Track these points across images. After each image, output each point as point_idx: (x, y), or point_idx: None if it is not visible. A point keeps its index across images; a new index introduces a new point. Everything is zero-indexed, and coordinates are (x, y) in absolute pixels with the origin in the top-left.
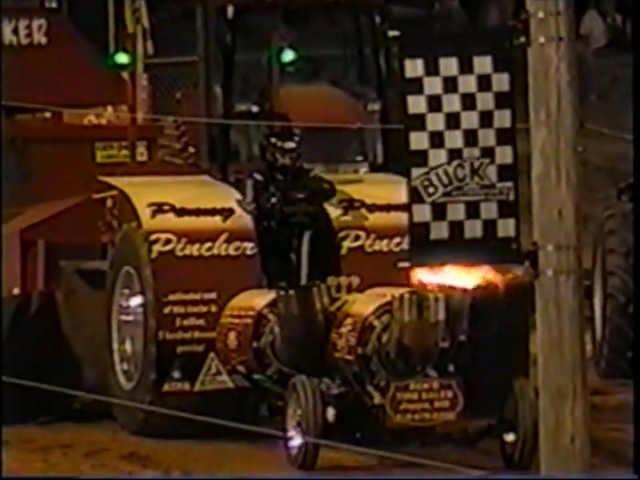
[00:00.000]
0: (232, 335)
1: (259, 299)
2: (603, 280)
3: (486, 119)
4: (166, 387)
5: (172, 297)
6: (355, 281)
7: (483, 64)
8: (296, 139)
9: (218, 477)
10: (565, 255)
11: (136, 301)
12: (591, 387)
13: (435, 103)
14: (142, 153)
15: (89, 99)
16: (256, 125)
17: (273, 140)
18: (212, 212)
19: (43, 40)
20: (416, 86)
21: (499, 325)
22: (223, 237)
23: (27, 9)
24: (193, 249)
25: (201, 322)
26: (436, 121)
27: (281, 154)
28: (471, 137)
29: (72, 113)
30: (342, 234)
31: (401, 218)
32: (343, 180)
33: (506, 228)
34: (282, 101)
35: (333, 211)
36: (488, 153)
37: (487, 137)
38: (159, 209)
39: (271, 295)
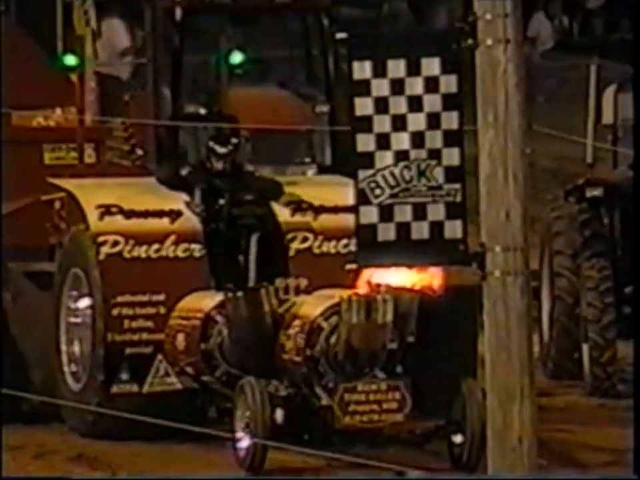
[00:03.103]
0: (180, 337)
1: (207, 300)
2: (550, 281)
3: (433, 121)
4: (114, 389)
5: (120, 299)
6: (303, 282)
7: (431, 66)
8: (233, 140)
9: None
10: (512, 256)
11: (84, 302)
12: (538, 387)
13: (382, 105)
14: (90, 155)
15: (37, 100)
16: (204, 127)
17: (211, 144)
18: (160, 214)
19: None
20: (363, 88)
21: (446, 326)
22: (171, 238)
23: None
24: (141, 251)
25: (149, 324)
26: (383, 123)
27: (216, 159)
28: (418, 139)
29: (20, 114)
30: (290, 235)
31: (349, 220)
32: (291, 181)
33: (453, 229)
34: (230, 103)
35: (281, 213)
36: (435, 154)
37: (434, 139)
38: (106, 210)
39: (219, 297)
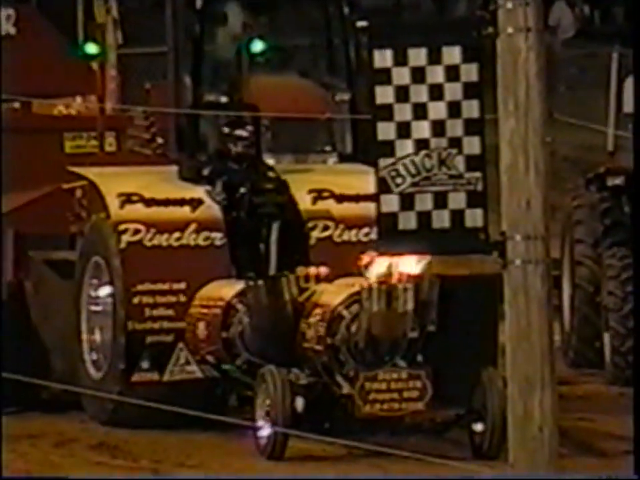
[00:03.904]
0: (201, 325)
1: (228, 289)
2: (571, 270)
3: (454, 109)
4: (135, 377)
5: (141, 287)
6: (324, 271)
7: (452, 54)
8: (249, 127)
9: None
10: (533, 244)
11: (105, 291)
12: (559, 376)
13: (402, 93)
14: (111, 143)
15: (58, 89)
16: (225, 116)
17: (226, 129)
18: (181, 202)
19: (12, 30)
20: (384, 76)
21: (467, 315)
22: (192, 227)
23: None
24: (162, 239)
25: (170, 312)
26: (403, 111)
27: (233, 142)
28: (438, 127)
29: (41, 103)
30: (310, 224)
31: (370, 208)
32: (312, 170)
33: (474, 218)
34: (251, 91)
35: (302, 201)
36: (456, 143)
37: (455, 128)
38: (127, 199)
39: (239, 285)
